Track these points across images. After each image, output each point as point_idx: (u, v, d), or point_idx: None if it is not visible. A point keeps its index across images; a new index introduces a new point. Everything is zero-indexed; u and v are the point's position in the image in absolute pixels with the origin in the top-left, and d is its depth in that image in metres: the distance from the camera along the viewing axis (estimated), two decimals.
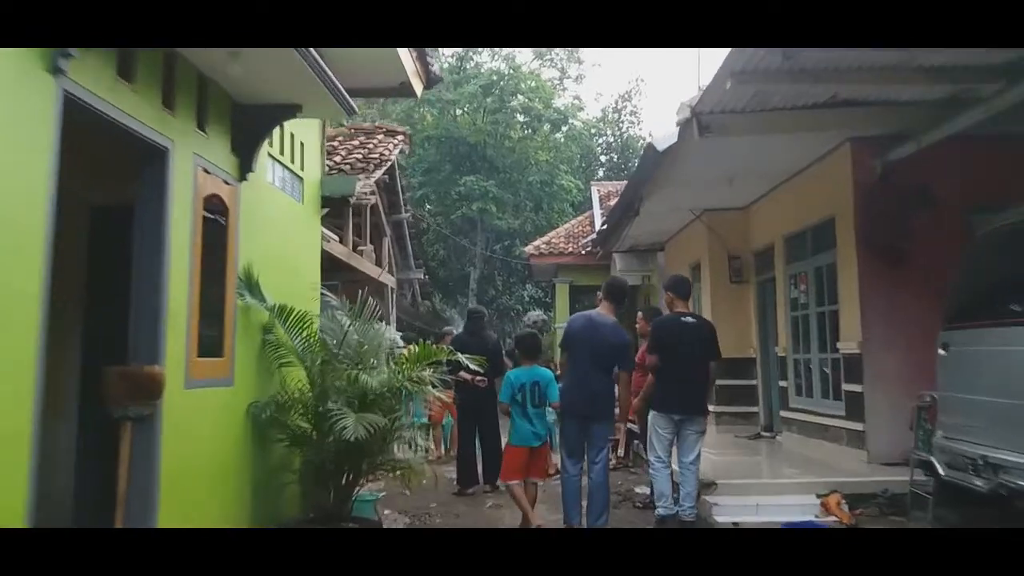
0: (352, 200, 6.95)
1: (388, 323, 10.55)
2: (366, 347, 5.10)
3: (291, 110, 4.69)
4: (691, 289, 6.00)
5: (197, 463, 4.19)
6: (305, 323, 5.06)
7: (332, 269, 8.38)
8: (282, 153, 5.61)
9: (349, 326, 5.15)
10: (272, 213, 5.36)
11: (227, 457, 4.59)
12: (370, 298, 5.36)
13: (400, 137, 9.74)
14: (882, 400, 6.82)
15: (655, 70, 45.75)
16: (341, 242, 8.11)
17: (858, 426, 7.05)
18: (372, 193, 8.51)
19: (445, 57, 25.19)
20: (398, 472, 5.24)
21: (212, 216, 4.37)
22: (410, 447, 5.31)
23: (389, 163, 9.24)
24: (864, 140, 6.99)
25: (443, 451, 10.04)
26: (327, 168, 7.28)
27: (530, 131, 25.60)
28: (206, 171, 4.29)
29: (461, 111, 25.18)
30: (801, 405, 8.53)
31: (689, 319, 5.75)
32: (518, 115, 25.11)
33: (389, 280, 11.32)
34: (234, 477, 4.67)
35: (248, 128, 4.66)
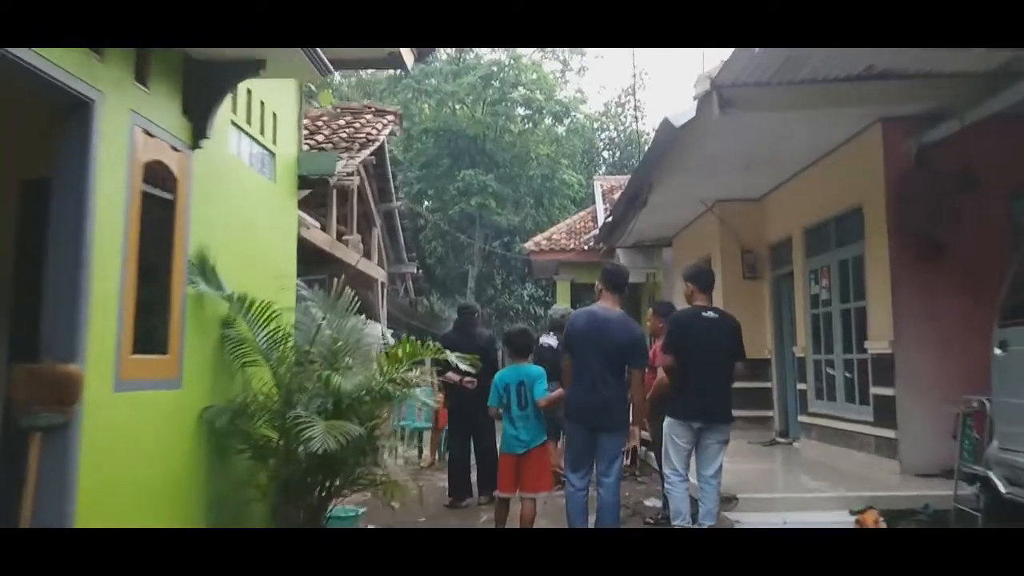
0: (333, 181, 6.27)
1: (378, 319, 9.94)
2: (340, 343, 4.46)
3: (253, 67, 4.02)
4: (714, 281, 5.35)
5: (132, 479, 3.52)
6: (271, 316, 4.41)
7: (319, 261, 7.78)
8: (249, 123, 4.94)
9: (323, 320, 4.52)
10: (235, 189, 4.67)
11: (174, 471, 3.92)
12: (347, 288, 4.72)
13: (390, 117, 9.07)
14: (916, 404, 6.25)
15: (660, 64, 45.05)
16: (323, 229, 7.44)
17: (889, 433, 6.49)
18: (356, 174, 7.83)
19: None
20: (379, 486, 4.66)
21: (156, 186, 3.70)
22: (396, 456, 4.75)
23: (377, 143, 8.57)
24: (897, 120, 6.45)
25: (436, 458, 9.43)
26: (307, 146, 6.64)
27: (531, 124, 24.98)
28: (148, 133, 3.62)
29: (460, 104, 24.53)
30: (822, 410, 7.94)
31: (710, 313, 5.08)
32: (519, 107, 24.48)
33: (379, 273, 10.67)
34: (184, 494, 4.01)
35: (203, 87, 4.00)
